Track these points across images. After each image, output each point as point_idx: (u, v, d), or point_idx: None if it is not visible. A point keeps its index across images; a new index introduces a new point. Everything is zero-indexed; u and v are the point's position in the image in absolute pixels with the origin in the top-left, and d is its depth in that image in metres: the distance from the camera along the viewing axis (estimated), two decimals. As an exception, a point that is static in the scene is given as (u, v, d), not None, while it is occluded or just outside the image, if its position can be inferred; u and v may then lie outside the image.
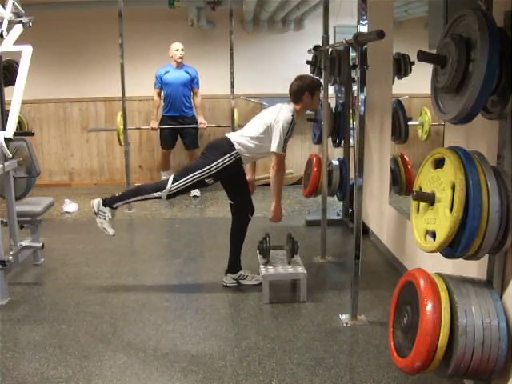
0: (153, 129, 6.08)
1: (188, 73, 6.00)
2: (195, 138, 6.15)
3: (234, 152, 3.21)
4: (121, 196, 3.32)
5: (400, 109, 3.80)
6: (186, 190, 3.27)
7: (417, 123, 3.81)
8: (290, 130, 3.21)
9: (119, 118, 5.79)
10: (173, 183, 3.19)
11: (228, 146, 3.23)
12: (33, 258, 3.89)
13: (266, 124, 3.23)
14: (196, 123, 6.08)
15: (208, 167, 3.18)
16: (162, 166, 6.28)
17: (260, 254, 3.47)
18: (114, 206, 3.29)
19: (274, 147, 3.20)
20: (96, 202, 3.29)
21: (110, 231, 3.29)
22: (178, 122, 6.04)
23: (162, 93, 6.06)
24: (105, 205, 3.28)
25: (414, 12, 4.02)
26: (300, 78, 3.35)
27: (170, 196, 3.23)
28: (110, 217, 3.29)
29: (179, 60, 5.92)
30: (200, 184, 3.26)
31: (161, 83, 6.00)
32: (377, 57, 3.82)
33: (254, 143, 3.24)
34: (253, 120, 3.38)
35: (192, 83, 6.03)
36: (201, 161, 3.28)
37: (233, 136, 3.30)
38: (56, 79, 6.69)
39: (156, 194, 3.22)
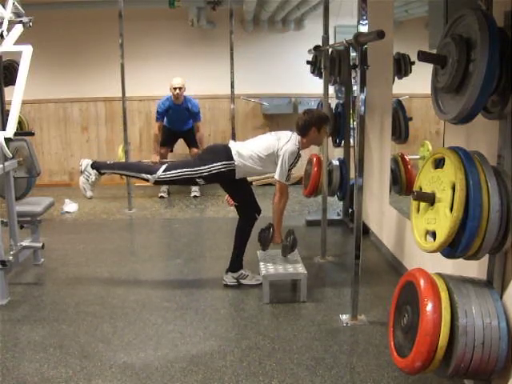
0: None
1: (188, 109, 5.96)
2: (195, 142, 6.14)
3: (231, 162, 3.21)
4: (112, 165, 3.37)
5: (400, 109, 3.80)
6: (174, 183, 3.34)
7: (417, 157, 3.83)
8: (294, 162, 3.24)
9: (120, 152, 5.78)
10: (163, 171, 3.22)
11: (226, 154, 3.23)
12: (33, 258, 3.89)
13: (271, 149, 3.25)
14: (193, 132, 6.07)
15: (200, 168, 3.20)
16: (160, 155, 6.21)
17: (259, 241, 3.45)
18: (102, 171, 3.32)
19: (277, 176, 3.23)
20: (85, 162, 3.31)
21: (88, 193, 3.31)
22: (178, 134, 6.15)
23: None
24: (93, 167, 3.29)
25: (414, 12, 4.02)
26: (308, 113, 3.32)
27: (157, 182, 3.27)
28: (94, 180, 3.30)
29: (176, 97, 5.86)
30: (190, 181, 3.30)
31: (162, 117, 6.00)
32: (377, 57, 3.82)
33: (255, 160, 3.24)
34: (259, 138, 3.39)
35: (193, 118, 6.04)
36: (196, 161, 3.31)
37: (235, 146, 3.30)
38: (56, 79, 6.69)
39: (145, 176, 3.24)
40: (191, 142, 6.12)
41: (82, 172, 3.30)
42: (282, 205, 3.33)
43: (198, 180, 3.24)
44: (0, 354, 2.61)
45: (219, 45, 6.37)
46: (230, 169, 3.22)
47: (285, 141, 3.25)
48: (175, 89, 5.82)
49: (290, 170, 3.23)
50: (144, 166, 3.39)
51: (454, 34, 1.80)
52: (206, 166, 3.19)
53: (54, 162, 6.96)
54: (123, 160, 5.64)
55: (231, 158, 3.22)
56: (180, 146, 6.38)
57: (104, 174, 3.33)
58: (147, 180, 3.25)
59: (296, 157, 3.23)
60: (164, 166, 3.26)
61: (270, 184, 5.28)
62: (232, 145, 3.32)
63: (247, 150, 3.27)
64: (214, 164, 3.19)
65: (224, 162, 3.20)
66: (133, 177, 3.38)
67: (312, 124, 3.27)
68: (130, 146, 5.74)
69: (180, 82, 5.83)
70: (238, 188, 3.40)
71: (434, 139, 3.64)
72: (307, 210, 5.48)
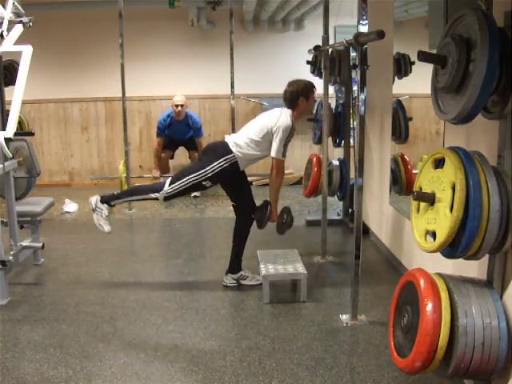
0: (155, 177, 6.07)
1: (189, 126, 5.99)
2: (196, 145, 6.14)
3: (231, 155, 3.21)
4: (119, 194, 3.35)
5: (400, 109, 3.80)
6: (183, 193, 3.28)
7: (416, 171, 3.82)
8: (289, 136, 3.23)
9: (121, 167, 5.80)
10: (169, 185, 3.21)
11: (225, 149, 3.23)
12: (33, 258, 3.89)
13: (265, 129, 3.24)
14: (194, 141, 6.08)
15: (203, 170, 3.19)
16: (162, 169, 6.23)
17: (255, 219, 3.43)
18: (112, 203, 3.32)
19: (273, 153, 3.22)
20: (94, 199, 3.32)
21: (106, 228, 3.33)
22: (179, 142, 6.16)
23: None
24: (102, 202, 3.30)
25: (414, 12, 4.02)
26: (292, 84, 3.34)
27: (167, 198, 3.25)
28: (107, 214, 3.32)
29: (177, 114, 5.88)
30: (197, 187, 3.27)
31: (163, 132, 6.02)
32: (377, 57, 3.82)
33: (251, 146, 3.24)
34: (251, 122, 3.38)
35: (194, 134, 6.05)
36: (197, 164, 3.30)
37: (230, 139, 3.30)
38: (56, 79, 6.69)
39: (153, 195, 3.24)
40: (191, 147, 6.13)
41: (93, 210, 3.32)
42: (280, 181, 3.32)
43: (204, 183, 3.22)
44: (0, 354, 2.61)
45: (219, 45, 6.37)
46: (232, 162, 3.21)
47: (277, 117, 3.23)
48: (177, 106, 5.85)
49: (285, 145, 3.22)
50: (149, 186, 3.36)
51: (454, 34, 1.80)
52: (209, 167, 3.19)
53: (54, 162, 6.96)
54: (124, 175, 5.67)
55: (230, 152, 3.21)
56: (180, 155, 6.38)
57: (114, 205, 3.35)
58: (156, 198, 3.25)
59: (290, 131, 3.22)
60: (168, 180, 3.24)
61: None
62: (228, 138, 3.32)
63: (243, 138, 3.27)
64: (216, 162, 3.19)
65: (225, 158, 3.20)
66: (142, 199, 3.33)
67: (299, 94, 3.28)
68: (130, 146, 5.74)
69: (182, 99, 5.87)
70: (239, 187, 3.40)
71: (434, 139, 3.64)
72: (307, 210, 5.48)
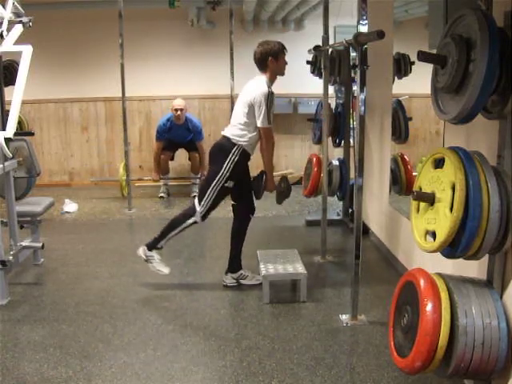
0: (154, 180, 6.06)
1: (189, 130, 5.97)
2: (196, 149, 6.14)
3: (236, 147, 3.22)
4: (160, 236, 3.39)
5: (400, 109, 3.80)
6: (215, 204, 3.28)
7: (415, 174, 3.81)
8: (268, 101, 3.18)
9: (122, 170, 5.79)
10: (200, 204, 3.25)
11: (228, 144, 3.24)
12: (33, 258, 3.89)
13: (247, 105, 3.22)
14: (194, 143, 6.07)
15: (220, 174, 3.21)
16: (162, 171, 6.20)
17: (252, 190, 3.42)
18: (159, 246, 3.38)
19: (259, 123, 3.20)
20: (141, 250, 3.40)
21: (165, 270, 3.40)
22: (178, 145, 6.14)
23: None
24: (150, 249, 3.37)
25: (414, 12, 4.02)
26: (262, 44, 3.31)
27: (204, 216, 3.29)
28: (159, 257, 3.40)
29: (177, 118, 5.86)
30: (223, 191, 3.26)
31: (163, 136, 6.00)
32: (377, 57, 3.82)
33: (246, 130, 3.24)
34: (236, 105, 3.37)
35: (194, 137, 6.04)
36: (211, 171, 3.29)
37: (228, 131, 3.31)
38: (56, 79, 6.69)
39: (191, 221, 3.30)
40: (191, 148, 6.12)
41: (146, 260, 3.38)
42: (271, 149, 3.30)
43: (226, 185, 3.23)
44: (0, 354, 2.61)
45: (219, 45, 6.37)
46: (241, 152, 3.23)
47: (253, 90, 3.21)
48: (176, 110, 5.83)
49: (268, 111, 3.18)
50: (183, 215, 3.36)
51: (454, 34, 1.80)
52: (223, 168, 3.20)
53: (54, 162, 6.96)
54: (124, 177, 5.66)
55: (234, 144, 3.23)
56: (180, 156, 6.38)
57: (162, 247, 3.40)
58: (196, 222, 3.29)
59: (268, 95, 3.17)
60: (196, 201, 3.28)
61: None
62: (226, 132, 3.32)
63: (236, 125, 3.27)
64: (227, 160, 3.20)
65: (232, 152, 3.21)
66: (183, 229, 3.36)
67: (268, 54, 3.25)
68: (129, 146, 5.74)
69: (181, 103, 5.87)
70: (243, 187, 3.38)
71: (434, 139, 3.65)
72: (307, 210, 5.48)
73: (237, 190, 3.41)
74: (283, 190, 3.44)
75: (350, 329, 2.87)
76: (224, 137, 3.30)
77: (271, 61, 3.26)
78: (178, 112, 5.83)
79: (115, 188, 6.52)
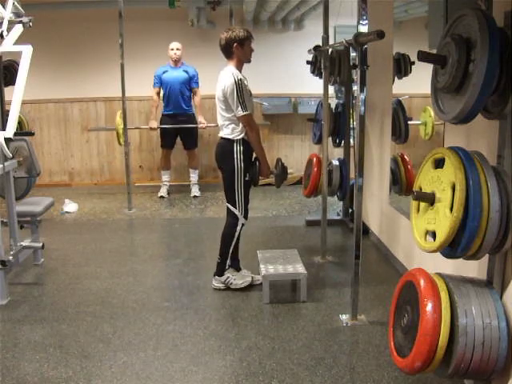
0: (151, 128, 6.07)
1: (186, 72, 5.96)
2: (195, 138, 6.13)
3: (235, 142, 3.21)
4: (221, 258, 3.37)
5: (400, 109, 3.80)
6: (248, 198, 3.31)
7: (419, 122, 3.80)
8: (239, 90, 3.14)
9: (118, 118, 5.79)
10: (237, 209, 3.26)
11: (227, 143, 3.24)
12: (33, 258, 3.88)
13: (222, 101, 3.22)
14: (196, 122, 6.06)
15: (236, 170, 3.21)
16: (163, 165, 6.24)
17: (248, 178, 3.39)
18: (226, 267, 3.37)
19: (237, 113, 3.17)
20: (217, 282, 3.39)
21: (248, 278, 3.39)
22: (177, 120, 5.99)
23: (161, 92, 6.04)
24: (221, 275, 3.36)
25: (414, 12, 4.02)
26: (227, 31, 3.26)
27: (246, 216, 3.31)
28: (233, 274, 3.39)
29: (175, 59, 5.89)
30: (246, 186, 3.28)
31: (160, 82, 5.98)
32: (377, 57, 3.83)
33: (233, 123, 3.22)
34: (217, 102, 3.35)
35: (191, 82, 5.99)
36: (226, 173, 3.28)
37: (222, 132, 3.30)
38: (56, 79, 6.69)
39: (238, 227, 3.29)
40: (188, 141, 6.09)
41: (228, 286, 3.36)
42: (255, 135, 3.24)
43: (247, 178, 3.25)
44: (0, 354, 2.61)
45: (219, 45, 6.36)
46: (241, 143, 3.22)
47: (223, 85, 3.19)
48: (173, 49, 5.83)
49: (242, 99, 3.14)
50: (228, 227, 3.34)
51: (454, 33, 1.80)
52: (236, 163, 3.20)
53: (54, 162, 6.95)
54: (121, 126, 5.61)
55: (232, 140, 3.22)
56: (179, 156, 6.38)
57: (230, 265, 3.39)
58: (243, 224, 3.30)
59: (237, 85, 3.13)
60: (230, 205, 3.29)
61: (269, 184, 5.29)
62: (221, 134, 3.31)
63: (224, 125, 3.26)
64: (234, 156, 3.20)
65: (235, 147, 3.21)
66: (237, 239, 3.34)
67: (233, 40, 3.20)
68: (129, 146, 5.74)
69: (178, 44, 5.87)
70: (242, 184, 3.38)
71: (434, 139, 3.64)
72: (307, 210, 5.48)
73: (231, 190, 3.40)
74: (279, 173, 3.43)
75: (349, 329, 2.87)
76: (222, 138, 3.31)
77: (236, 47, 3.21)
78: (175, 51, 5.82)
79: (115, 188, 6.53)
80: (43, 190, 6.09)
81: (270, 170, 3.40)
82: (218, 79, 3.32)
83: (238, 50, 3.22)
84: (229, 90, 3.14)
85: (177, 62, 5.92)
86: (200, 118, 6.06)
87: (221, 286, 3.41)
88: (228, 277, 3.39)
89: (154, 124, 6.02)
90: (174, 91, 5.94)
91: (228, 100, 3.18)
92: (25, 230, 3.80)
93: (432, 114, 3.57)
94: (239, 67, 3.27)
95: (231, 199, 3.27)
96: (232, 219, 3.31)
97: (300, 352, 2.61)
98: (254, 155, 3.34)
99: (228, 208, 3.39)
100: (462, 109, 1.73)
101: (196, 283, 3.59)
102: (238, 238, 3.36)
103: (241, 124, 3.21)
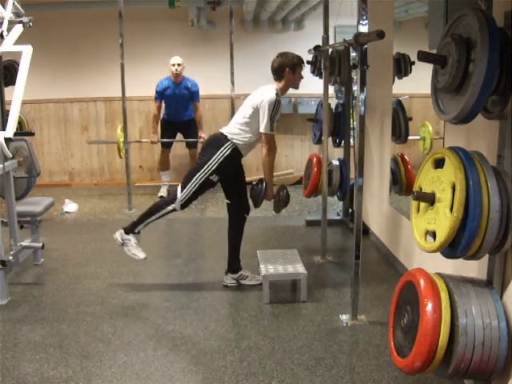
0: (152, 142, 6.06)
1: (187, 88, 5.94)
2: (196, 137, 6.12)
3: (229, 143, 3.22)
4: (139, 220, 3.36)
5: (400, 109, 3.80)
6: (196, 194, 3.27)
7: (417, 138, 3.81)
8: (275, 109, 3.20)
9: (119, 132, 5.79)
10: (181, 192, 3.22)
11: (221, 139, 3.25)
12: (33, 258, 3.88)
13: (252, 107, 3.24)
14: (195, 124, 6.06)
15: (208, 164, 3.20)
16: (162, 165, 6.24)
17: (251, 198, 3.43)
18: (136, 230, 3.36)
19: (261, 128, 3.22)
20: (118, 234, 3.37)
21: (141, 255, 3.36)
22: (177, 125, 6.06)
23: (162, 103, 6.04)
24: (127, 233, 3.35)
25: (414, 12, 4.02)
26: (281, 55, 3.34)
27: (183, 205, 3.26)
28: (136, 241, 3.37)
29: (176, 75, 5.84)
30: (207, 184, 3.25)
31: (161, 98, 5.98)
32: (377, 57, 3.83)
33: (244, 129, 3.25)
34: (239, 109, 3.39)
35: (192, 98, 6.01)
36: (200, 161, 3.30)
37: (224, 128, 3.33)
38: (56, 79, 6.69)
39: (170, 208, 3.26)
40: (190, 133, 6.07)
41: (122, 244, 3.35)
42: (272, 157, 3.31)
43: (211, 177, 3.22)
44: (0, 354, 2.61)
45: (219, 45, 6.37)
46: (232, 149, 3.22)
47: (261, 94, 3.24)
48: (174, 65, 5.80)
49: (272, 119, 3.20)
50: (163, 201, 3.39)
51: (454, 34, 1.80)
52: (212, 159, 3.20)
53: (54, 162, 6.95)
54: (121, 139, 5.63)
55: (227, 140, 3.23)
56: (179, 156, 6.37)
57: (139, 232, 3.37)
58: (174, 209, 3.26)
59: (275, 104, 3.19)
60: (179, 188, 3.26)
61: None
62: (222, 129, 3.33)
63: (234, 124, 3.30)
64: (217, 153, 3.20)
65: (224, 146, 3.21)
66: (162, 215, 3.33)
67: (286, 65, 3.28)
68: (129, 146, 5.74)
69: (179, 59, 5.84)
70: (236, 185, 3.40)
71: (434, 146, 3.64)
72: (307, 210, 5.48)
73: (228, 188, 3.43)
74: (282, 199, 3.44)
75: (349, 329, 2.87)
76: (220, 133, 3.32)
77: (288, 72, 3.29)
78: (176, 67, 5.80)
79: (115, 188, 6.53)
80: (43, 190, 6.09)
81: (274, 195, 3.42)
82: (256, 90, 3.36)
83: (288, 75, 3.30)
84: (266, 104, 3.18)
85: (178, 77, 5.88)
86: (200, 133, 6.03)
87: (233, 282, 3.43)
88: (241, 274, 3.43)
89: (155, 138, 6.01)
90: (174, 105, 5.98)
91: (258, 110, 3.21)
92: (25, 229, 3.80)
93: (430, 128, 3.58)
94: (283, 91, 3.34)
95: (184, 183, 3.25)
96: (171, 197, 3.30)
97: (300, 352, 2.61)
98: (262, 176, 3.37)
99: (228, 204, 3.41)
100: (462, 109, 1.73)
101: (196, 283, 3.59)
102: (161, 217, 3.33)
103: (247, 134, 3.24)
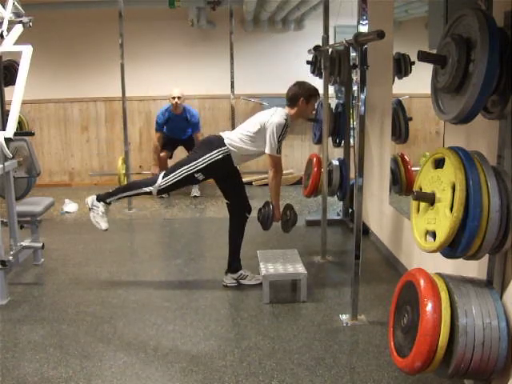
0: (153, 174, 6.07)
1: (187, 120, 6.00)
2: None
3: (224, 148, 3.22)
4: (113, 191, 3.38)
5: (400, 109, 3.80)
6: (176, 186, 3.29)
7: (417, 169, 3.80)
8: (282, 133, 3.23)
9: (120, 164, 5.80)
10: (163, 178, 3.22)
11: (218, 142, 3.25)
12: (33, 258, 3.89)
13: (259, 124, 3.25)
14: (193, 139, 6.08)
15: (196, 162, 3.20)
16: (160, 168, 6.23)
17: (258, 221, 3.44)
18: (108, 201, 3.35)
19: (267, 149, 3.23)
20: (90, 198, 3.36)
21: (103, 225, 3.35)
22: (178, 142, 6.18)
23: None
24: (98, 200, 3.34)
25: (414, 12, 4.02)
26: (298, 84, 3.37)
27: (160, 191, 3.26)
28: (104, 210, 3.34)
29: (176, 107, 5.90)
30: (190, 179, 3.26)
31: (162, 128, 6.04)
32: (377, 57, 3.83)
33: (245, 141, 3.25)
34: (248, 120, 3.40)
35: (193, 128, 6.06)
36: (190, 156, 3.32)
37: (225, 133, 3.33)
38: (56, 79, 6.69)
39: (147, 189, 3.25)
40: (191, 147, 6.09)
41: (90, 209, 3.35)
42: (279, 179, 3.32)
43: (196, 175, 3.21)
44: (0, 354, 2.61)
45: (219, 45, 6.37)
46: (225, 154, 3.21)
47: (271, 114, 3.25)
48: (174, 98, 5.85)
49: (279, 141, 3.21)
50: (143, 181, 3.39)
51: (454, 34, 1.80)
52: (202, 158, 3.19)
53: (54, 162, 6.96)
54: (123, 171, 5.67)
55: (223, 145, 3.22)
56: (179, 155, 6.37)
57: (110, 203, 3.36)
58: (150, 192, 3.25)
59: (284, 128, 3.21)
60: (162, 174, 3.26)
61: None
62: (223, 134, 3.33)
63: (237, 133, 3.30)
64: (208, 154, 3.20)
65: (218, 150, 3.20)
66: (137, 194, 3.36)
67: (301, 95, 3.30)
68: (129, 146, 5.74)
69: (179, 92, 5.89)
70: (231, 185, 3.40)
71: (434, 139, 3.64)
72: (307, 210, 5.48)
73: (224, 189, 3.44)
74: (290, 218, 3.44)
75: (350, 329, 2.87)
76: (218, 135, 3.32)
77: (302, 101, 3.31)
78: (176, 100, 5.85)
79: (115, 187, 6.52)
80: (43, 190, 6.09)
81: (282, 215, 3.43)
82: (265, 110, 3.38)
83: (302, 105, 3.32)
84: (274, 127, 3.19)
85: (177, 109, 5.93)
86: None
87: (233, 282, 3.43)
88: (241, 273, 3.43)
89: (156, 170, 6.02)
90: (176, 132, 6.09)
91: (265, 130, 3.22)
92: (25, 229, 3.80)
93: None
94: (294, 118, 3.36)
95: (168, 172, 3.25)
96: (151, 180, 3.30)
97: (300, 352, 2.61)
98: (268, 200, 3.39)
99: (227, 204, 3.42)
100: (462, 109, 1.73)
101: (196, 283, 3.59)
102: (136, 195, 3.38)
103: (245, 146, 3.24)
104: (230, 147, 3.22)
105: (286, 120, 3.23)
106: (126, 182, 5.59)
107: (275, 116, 3.23)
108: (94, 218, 3.34)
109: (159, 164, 6.21)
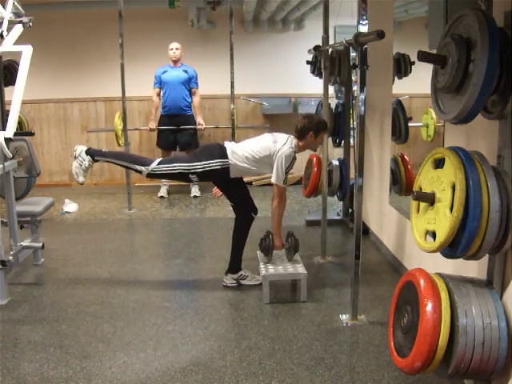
0: (151, 129, 6.09)
1: (186, 72, 5.98)
2: (192, 139, 6.09)
3: (225, 160, 3.20)
4: (106, 153, 3.38)
5: (400, 109, 3.80)
6: (168, 177, 3.34)
7: (420, 124, 3.80)
8: (290, 165, 3.25)
9: (117, 119, 5.81)
10: (158, 164, 3.22)
11: (221, 152, 3.23)
12: (33, 258, 3.88)
13: (268, 150, 3.24)
14: (194, 123, 6.06)
15: (194, 164, 3.20)
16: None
17: (262, 251, 3.46)
18: (96, 158, 3.32)
19: (274, 179, 3.25)
20: (80, 148, 3.34)
21: (81, 179, 3.32)
22: (176, 121, 6.00)
23: (161, 92, 6.05)
24: (87, 153, 3.31)
25: (414, 12, 4.02)
26: (307, 117, 3.35)
27: (150, 175, 3.25)
28: (87, 165, 3.31)
29: (174, 59, 5.92)
30: (183, 177, 3.26)
31: (160, 83, 6.01)
32: (377, 57, 3.83)
33: (250, 160, 3.24)
34: (257, 139, 3.38)
35: (190, 82, 6.01)
36: (191, 156, 3.33)
37: (230, 145, 3.30)
38: (56, 79, 6.69)
39: (138, 167, 3.24)
40: (182, 142, 6.02)
41: (75, 157, 3.32)
42: (282, 209, 3.35)
43: (191, 176, 3.22)
44: (0, 354, 2.61)
45: (219, 45, 6.37)
46: (224, 167, 3.21)
47: (281, 144, 3.24)
48: (172, 49, 5.88)
49: (286, 172, 3.24)
50: (138, 158, 3.38)
51: (454, 33, 1.80)
52: (201, 163, 3.19)
53: (54, 162, 6.96)
54: (120, 127, 5.65)
55: (226, 157, 3.21)
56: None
57: (98, 161, 3.33)
58: (140, 172, 3.24)
59: (292, 160, 3.24)
60: (159, 159, 3.27)
61: (269, 184, 5.28)
62: (227, 144, 3.32)
63: (242, 149, 3.27)
64: (209, 161, 3.19)
65: (218, 160, 3.20)
66: (126, 167, 3.37)
67: (310, 128, 3.30)
68: (129, 146, 5.73)
69: (178, 44, 5.92)
70: (233, 187, 3.39)
71: (434, 139, 3.64)
72: (307, 210, 5.48)
73: (225, 191, 3.45)
74: (291, 246, 3.45)
75: (350, 329, 2.87)
76: (222, 145, 3.30)
77: (311, 135, 3.31)
78: (174, 51, 5.87)
79: (115, 188, 6.53)
80: (43, 190, 6.09)
81: (283, 243, 3.43)
82: (275, 134, 3.38)
83: (310, 138, 3.33)
84: (283, 158, 3.20)
85: (176, 62, 5.95)
86: (199, 119, 6.06)
87: (233, 282, 3.42)
88: (241, 274, 3.42)
89: (153, 125, 6.04)
90: (173, 91, 5.96)
91: (273, 158, 3.23)
92: (25, 229, 3.80)
93: (434, 115, 3.57)
94: (300, 149, 3.37)
95: (168, 161, 3.27)
96: (146, 160, 3.28)
97: (300, 352, 2.61)
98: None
99: (233, 206, 3.40)
100: (462, 109, 1.73)
101: (196, 283, 3.59)
102: (126, 168, 3.40)
103: (245, 164, 3.23)
104: (232, 161, 3.21)
105: (294, 152, 3.26)
106: (123, 140, 5.58)
107: (285, 147, 3.22)
108: (75, 167, 3.31)
109: (155, 114, 6.14)
